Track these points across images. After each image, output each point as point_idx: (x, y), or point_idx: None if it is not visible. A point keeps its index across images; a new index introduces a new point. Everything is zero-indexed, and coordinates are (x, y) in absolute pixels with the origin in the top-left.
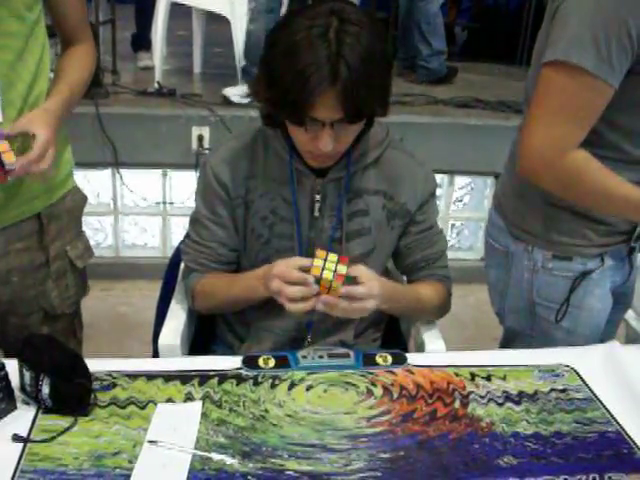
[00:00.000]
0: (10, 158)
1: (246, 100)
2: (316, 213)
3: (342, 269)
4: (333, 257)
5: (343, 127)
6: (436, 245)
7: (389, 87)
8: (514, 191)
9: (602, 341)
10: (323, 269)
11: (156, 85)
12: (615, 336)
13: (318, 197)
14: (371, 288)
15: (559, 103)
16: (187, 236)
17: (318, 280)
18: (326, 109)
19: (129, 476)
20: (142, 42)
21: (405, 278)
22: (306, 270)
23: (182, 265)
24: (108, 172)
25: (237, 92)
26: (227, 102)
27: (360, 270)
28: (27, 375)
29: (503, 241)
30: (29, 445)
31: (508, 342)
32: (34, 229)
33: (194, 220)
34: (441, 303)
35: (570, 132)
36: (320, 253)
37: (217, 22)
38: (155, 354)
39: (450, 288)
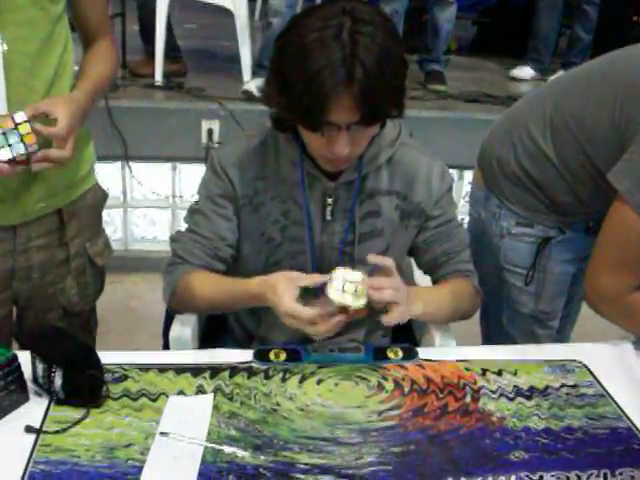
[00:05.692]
0: (31, 140)
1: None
2: (328, 216)
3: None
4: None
5: (359, 130)
6: (456, 238)
7: (404, 87)
8: (491, 153)
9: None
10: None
11: (159, 78)
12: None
13: (330, 200)
14: (392, 282)
15: (632, 254)
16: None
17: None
18: (342, 112)
19: (141, 468)
20: (148, 32)
21: (430, 279)
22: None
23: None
24: (118, 165)
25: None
26: (249, 97)
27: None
28: (40, 367)
29: (476, 208)
30: (42, 436)
31: (482, 306)
32: (55, 226)
33: (194, 210)
34: (471, 302)
35: (637, 277)
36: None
37: (224, 15)
38: (166, 347)
39: (476, 283)
